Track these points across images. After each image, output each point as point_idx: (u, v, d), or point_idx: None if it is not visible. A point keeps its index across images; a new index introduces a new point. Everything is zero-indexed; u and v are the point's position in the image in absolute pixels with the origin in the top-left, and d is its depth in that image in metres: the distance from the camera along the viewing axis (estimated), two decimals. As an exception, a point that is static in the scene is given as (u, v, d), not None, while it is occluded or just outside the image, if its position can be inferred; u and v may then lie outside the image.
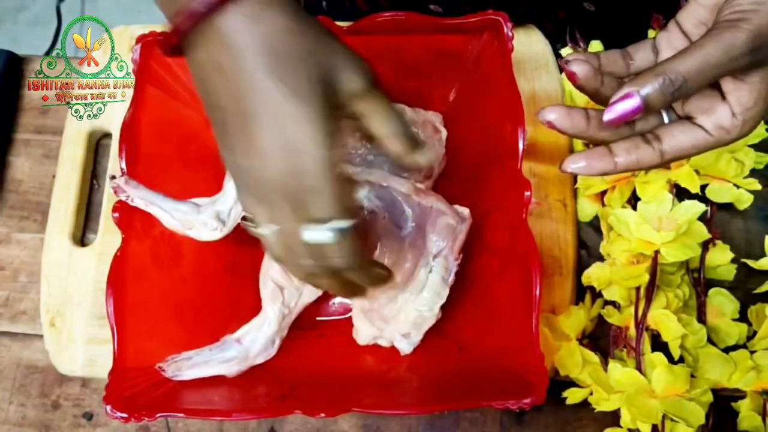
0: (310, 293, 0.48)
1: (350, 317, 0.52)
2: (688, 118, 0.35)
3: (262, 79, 0.31)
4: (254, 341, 0.47)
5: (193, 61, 0.33)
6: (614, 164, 0.35)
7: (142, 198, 0.46)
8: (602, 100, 0.35)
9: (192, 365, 0.45)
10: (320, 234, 0.34)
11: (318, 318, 0.53)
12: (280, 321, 0.47)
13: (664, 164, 0.35)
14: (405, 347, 0.47)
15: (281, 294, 0.47)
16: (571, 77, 0.35)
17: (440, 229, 0.47)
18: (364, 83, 0.35)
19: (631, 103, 0.32)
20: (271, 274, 0.47)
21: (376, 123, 0.36)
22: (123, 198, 0.45)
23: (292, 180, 0.33)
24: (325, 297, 0.53)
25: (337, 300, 0.53)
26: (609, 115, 0.32)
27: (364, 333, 0.48)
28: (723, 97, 0.34)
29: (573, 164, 0.35)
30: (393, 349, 0.49)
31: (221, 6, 0.30)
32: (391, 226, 0.47)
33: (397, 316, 0.47)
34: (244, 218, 0.37)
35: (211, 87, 0.33)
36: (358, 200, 0.43)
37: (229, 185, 0.48)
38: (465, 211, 0.48)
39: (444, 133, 0.52)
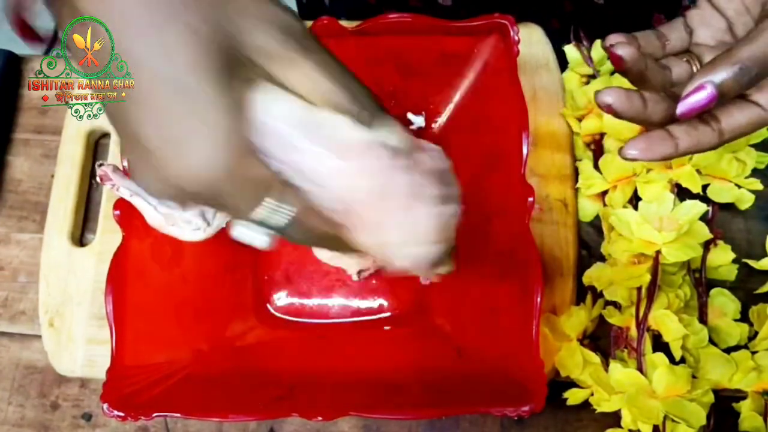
0: None
1: (350, 321, 0.53)
2: (741, 96, 0.34)
3: (129, 38, 0.24)
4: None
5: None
6: (675, 146, 0.34)
7: (127, 188, 0.44)
8: (644, 83, 0.35)
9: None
10: (256, 239, 0.30)
11: (317, 321, 0.53)
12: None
13: (722, 144, 0.35)
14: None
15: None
16: (617, 62, 0.34)
17: None
18: (281, 37, 0.26)
19: (705, 94, 0.31)
20: None
21: (306, 89, 0.28)
22: (108, 186, 0.45)
23: (195, 181, 0.26)
24: (326, 298, 0.53)
25: (337, 302, 0.53)
26: (683, 107, 0.32)
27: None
28: None
29: (632, 149, 0.35)
30: (392, 351, 0.49)
31: None
32: None
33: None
34: None
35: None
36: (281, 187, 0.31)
37: None
38: None
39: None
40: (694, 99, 0.31)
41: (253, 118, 0.27)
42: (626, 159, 0.35)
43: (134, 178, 0.29)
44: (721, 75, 0.31)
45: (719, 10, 0.36)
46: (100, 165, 0.45)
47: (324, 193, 0.30)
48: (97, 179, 0.45)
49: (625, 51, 0.34)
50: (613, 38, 0.35)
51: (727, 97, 0.31)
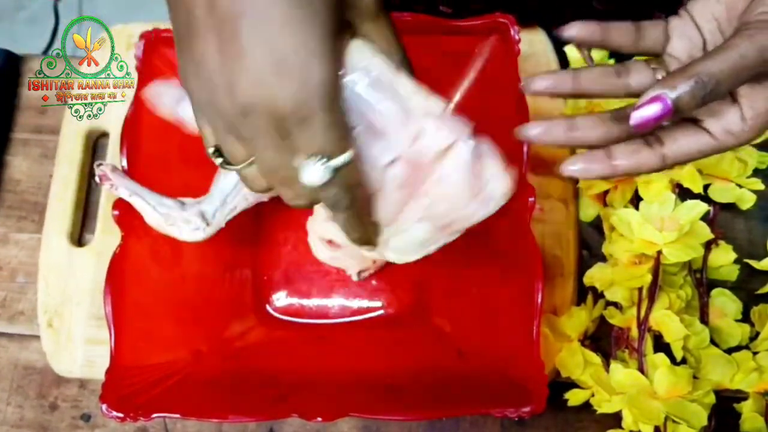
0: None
1: (350, 321, 0.52)
2: (694, 120, 0.33)
3: None
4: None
5: None
6: (613, 168, 0.34)
7: (126, 188, 0.44)
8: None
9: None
10: (313, 173, 0.29)
11: (316, 321, 0.52)
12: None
13: (666, 168, 0.34)
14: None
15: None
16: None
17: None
18: (377, 2, 0.31)
19: (659, 107, 0.29)
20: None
21: (384, 49, 0.33)
22: (107, 186, 0.44)
23: (283, 105, 0.27)
24: (325, 299, 0.53)
25: (336, 303, 0.53)
26: (635, 119, 0.30)
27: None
28: (734, 99, 0.32)
29: (571, 166, 0.35)
30: (392, 352, 0.49)
31: None
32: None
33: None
34: (215, 151, 0.33)
35: None
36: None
37: (216, 188, 0.47)
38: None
39: None
40: (647, 111, 0.30)
41: (347, 66, 0.30)
42: (564, 175, 0.35)
43: (188, 86, 0.30)
44: (679, 88, 0.29)
45: (698, 27, 0.35)
46: (99, 165, 0.45)
47: (384, 153, 0.33)
48: (96, 179, 0.45)
49: (571, 32, 0.35)
50: (571, 26, 0.35)
51: (684, 111, 0.30)
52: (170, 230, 0.45)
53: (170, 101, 0.43)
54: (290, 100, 0.27)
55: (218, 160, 0.32)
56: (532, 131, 0.36)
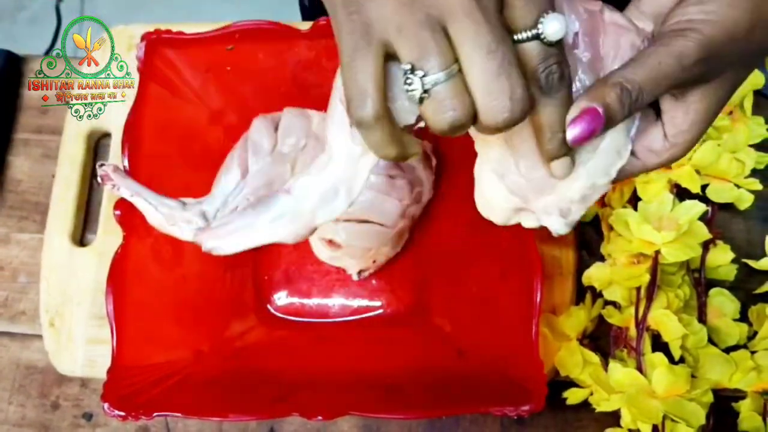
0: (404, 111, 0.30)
1: (352, 320, 0.52)
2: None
3: None
4: (307, 188, 0.34)
5: None
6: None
7: (128, 188, 0.44)
8: None
9: (233, 230, 0.36)
10: (553, 23, 0.26)
11: (317, 320, 0.53)
12: (348, 161, 0.32)
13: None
14: (560, 227, 0.34)
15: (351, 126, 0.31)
16: None
17: (625, 53, 0.32)
18: None
19: (591, 120, 0.29)
20: (341, 95, 0.30)
21: None
22: (109, 187, 0.45)
23: None
24: (326, 298, 0.53)
25: (337, 302, 0.53)
26: (572, 135, 0.29)
27: (499, 205, 0.35)
28: (657, 116, 0.32)
29: None
30: (392, 351, 0.49)
31: None
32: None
33: (558, 185, 0.33)
34: (407, 77, 0.27)
35: None
36: None
37: (218, 188, 0.47)
38: (647, 26, 0.34)
39: (434, 161, 0.52)
40: (582, 125, 0.29)
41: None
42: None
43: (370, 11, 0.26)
44: (606, 98, 0.29)
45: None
46: (101, 165, 0.45)
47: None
48: (98, 179, 0.45)
49: None
50: None
51: (615, 121, 0.29)
52: (171, 230, 0.45)
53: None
54: None
55: (417, 83, 0.26)
56: None
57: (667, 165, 0.33)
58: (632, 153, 0.32)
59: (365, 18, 0.27)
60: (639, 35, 0.33)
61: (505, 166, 0.33)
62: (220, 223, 0.36)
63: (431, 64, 0.26)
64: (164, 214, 0.45)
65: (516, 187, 0.33)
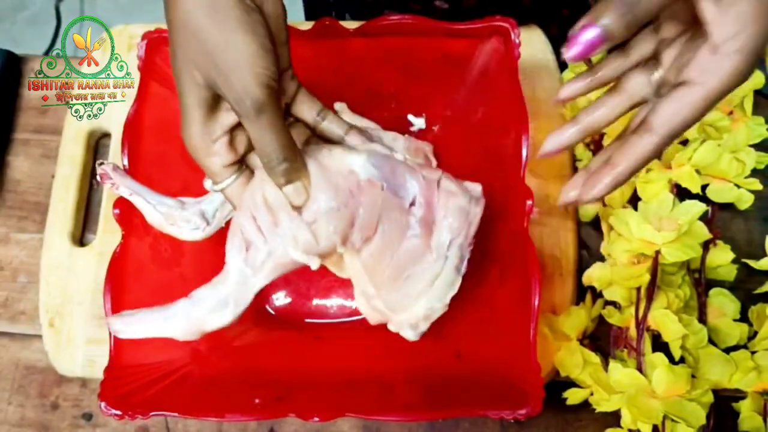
0: (281, 256, 0.40)
1: (349, 321, 0.52)
2: (673, 86, 0.31)
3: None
4: (203, 298, 0.40)
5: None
6: (613, 169, 0.32)
7: (127, 187, 0.45)
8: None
9: (137, 320, 0.41)
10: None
11: (315, 321, 0.53)
12: (238, 281, 0.40)
13: (663, 146, 0.32)
14: (412, 336, 0.44)
15: (245, 249, 0.40)
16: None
17: (452, 213, 0.42)
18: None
19: (591, 33, 0.29)
20: (241, 223, 0.40)
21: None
22: (108, 185, 0.45)
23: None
24: (324, 299, 0.53)
25: (335, 303, 0.53)
26: (571, 51, 0.30)
27: (368, 315, 0.45)
28: (704, 33, 0.30)
29: (572, 192, 0.35)
30: (390, 353, 0.49)
31: None
32: (391, 197, 0.41)
33: (408, 308, 0.43)
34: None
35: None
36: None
37: None
38: (477, 188, 0.44)
39: (434, 163, 0.52)
40: (582, 39, 0.29)
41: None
42: (566, 204, 0.35)
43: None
44: (605, 15, 0.29)
45: None
46: (101, 164, 0.45)
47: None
48: (98, 178, 0.45)
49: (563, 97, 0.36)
50: (565, 91, 0.36)
51: (616, 35, 0.29)
52: (170, 229, 0.45)
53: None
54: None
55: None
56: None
57: (731, 86, 0.30)
58: (688, 85, 0.30)
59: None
60: (467, 200, 0.43)
61: (369, 293, 0.44)
62: (130, 312, 0.41)
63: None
64: (163, 213, 0.45)
65: (379, 307, 0.44)
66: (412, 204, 0.41)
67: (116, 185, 0.45)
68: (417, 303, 0.43)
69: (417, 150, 0.50)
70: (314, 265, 0.40)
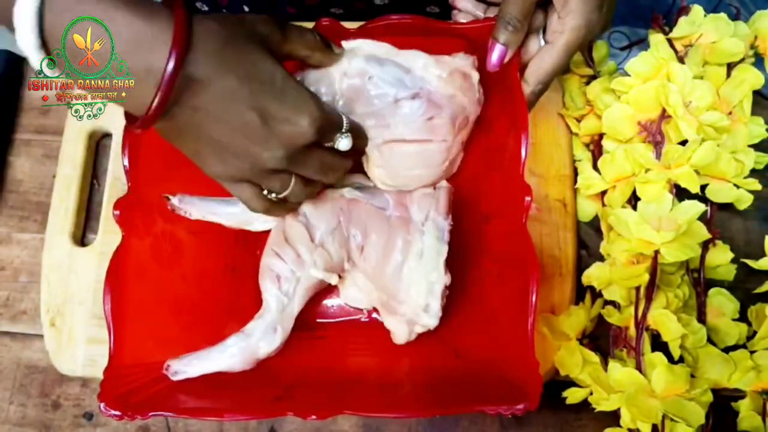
0: (308, 279, 0.47)
1: (349, 320, 0.53)
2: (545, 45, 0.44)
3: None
4: (253, 329, 0.46)
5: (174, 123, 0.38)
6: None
7: (198, 210, 0.49)
8: None
9: (194, 360, 0.45)
10: (344, 141, 0.42)
11: (317, 320, 0.53)
12: (279, 308, 0.47)
13: (538, 92, 0.44)
14: (430, 321, 0.47)
15: (278, 281, 0.47)
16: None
17: (419, 199, 0.49)
18: (280, 31, 0.40)
19: (497, 51, 0.43)
20: (270, 263, 0.47)
21: (300, 51, 0.41)
22: (182, 214, 0.48)
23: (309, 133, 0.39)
24: (324, 298, 0.53)
25: (336, 302, 0.53)
26: (490, 65, 0.43)
27: (399, 332, 0.49)
28: (553, 5, 0.42)
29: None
30: (391, 353, 0.49)
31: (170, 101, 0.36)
32: (374, 210, 0.49)
33: (409, 292, 0.47)
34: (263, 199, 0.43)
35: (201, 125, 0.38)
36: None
37: None
38: (441, 182, 0.50)
39: (475, 77, 0.47)
40: (493, 57, 0.43)
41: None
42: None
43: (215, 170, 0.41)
44: (500, 32, 0.42)
45: None
46: (167, 199, 0.48)
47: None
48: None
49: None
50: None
51: (514, 44, 0.43)
52: (249, 228, 0.50)
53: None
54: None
55: (272, 196, 0.43)
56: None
57: (574, 41, 0.42)
58: (546, 41, 0.44)
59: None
60: (429, 188, 0.50)
61: (382, 296, 0.49)
62: (186, 355, 0.46)
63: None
64: (236, 221, 0.50)
65: (392, 309, 0.48)
66: (389, 209, 0.49)
67: (189, 213, 0.49)
68: (416, 280, 0.47)
69: (453, 72, 0.46)
70: (334, 280, 0.48)
